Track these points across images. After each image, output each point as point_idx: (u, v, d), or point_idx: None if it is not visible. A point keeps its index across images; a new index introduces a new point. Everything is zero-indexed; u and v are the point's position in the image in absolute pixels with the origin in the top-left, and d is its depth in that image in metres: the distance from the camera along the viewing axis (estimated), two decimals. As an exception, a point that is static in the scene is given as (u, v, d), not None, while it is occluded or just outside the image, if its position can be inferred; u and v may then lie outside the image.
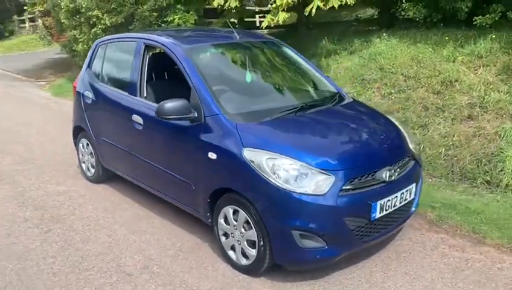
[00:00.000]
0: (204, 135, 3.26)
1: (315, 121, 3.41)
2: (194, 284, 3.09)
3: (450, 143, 4.93)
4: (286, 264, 3.07)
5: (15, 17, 20.32)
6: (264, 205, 2.91)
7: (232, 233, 3.19)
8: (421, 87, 5.74)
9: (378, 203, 2.99)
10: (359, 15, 9.88)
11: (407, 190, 3.22)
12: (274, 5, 6.72)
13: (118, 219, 4.04)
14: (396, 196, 3.12)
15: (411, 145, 3.49)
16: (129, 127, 3.91)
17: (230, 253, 3.25)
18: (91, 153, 4.76)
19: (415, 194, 3.37)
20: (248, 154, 2.98)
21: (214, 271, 3.24)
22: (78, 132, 4.94)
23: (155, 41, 3.93)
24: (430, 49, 6.26)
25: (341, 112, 3.68)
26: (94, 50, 4.75)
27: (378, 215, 3.01)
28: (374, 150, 3.22)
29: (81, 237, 3.76)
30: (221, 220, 3.23)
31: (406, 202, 3.26)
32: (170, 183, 3.67)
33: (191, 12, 8.22)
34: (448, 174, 4.77)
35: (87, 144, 4.79)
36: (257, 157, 2.94)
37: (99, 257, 3.43)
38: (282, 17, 6.68)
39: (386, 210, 3.07)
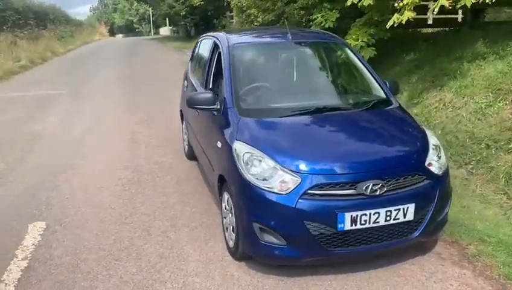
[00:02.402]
0: (220, 125, 3.62)
1: (320, 124, 3.39)
2: (188, 254, 3.50)
3: None
4: (251, 255, 3.22)
5: (228, 13, 23.28)
6: (236, 195, 3.14)
7: (225, 217, 3.50)
8: None
9: (348, 214, 2.86)
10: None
11: (397, 209, 2.95)
12: (401, 3, 6.37)
13: (178, 190, 4.69)
14: (378, 213, 2.92)
15: (438, 165, 3.17)
16: (194, 113, 4.50)
17: (226, 234, 3.55)
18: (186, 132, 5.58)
19: (415, 217, 3.04)
20: (236, 146, 3.23)
21: (210, 247, 3.58)
22: (181, 114, 5.82)
23: (216, 38, 4.40)
24: None
25: (362, 118, 3.53)
26: (196, 45, 5.50)
27: (348, 227, 2.89)
28: (364, 161, 3.04)
29: (142, 199, 4.56)
30: (224, 204, 3.56)
31: (398, 222, 2.99)
32: (206, 163, 4.15)
33: (334, 11, 8.31)
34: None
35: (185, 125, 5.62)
36: (240, 151, 3.17)
37: (142, 215, 4.16)
38: (406, 16, 6.29)
39: (362, 225, 2.91)
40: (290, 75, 4.06)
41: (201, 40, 5.32)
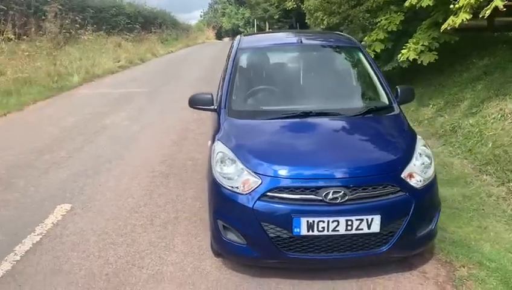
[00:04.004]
0: (213, 125, 3.78)
1: (301, 129, 3.38)
2: (175, 245, 3.70)
3: None
4: (218, 251, 3.31)
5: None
6: (208, 192, 3.28)
7: (210, 213, 3.64)
8: None
9: (304, 220, 2.84)
10: None
11: (359, 219, 2.85)
12: (457, 5, 5.94)
13: (197, 186, 4.90)
14: (338, 221, 2.85)
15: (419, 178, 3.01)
16: None
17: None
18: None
19: (383, 229, 2.89)
20: (215, 145, 3.36)
21: (197, 242, 3.73)
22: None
23: (235, 40, 4.54)
24: None
25: (348, 125, 3.43)
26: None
27: (304, 232, 2.86)
28: (328, 167, 2.97)
29: (162, 191, 4.87)
30: None
31: (362, 233, 2.88)
32: None
33: (399, 13, 7.98)
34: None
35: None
36: (216, 150, 3.30)
37: (154, 206, 4.47)
38: (461, 18, 5.85)
39: (320, 231, 2.86)
40: (293, 79, 4.07)
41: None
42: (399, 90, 3.87)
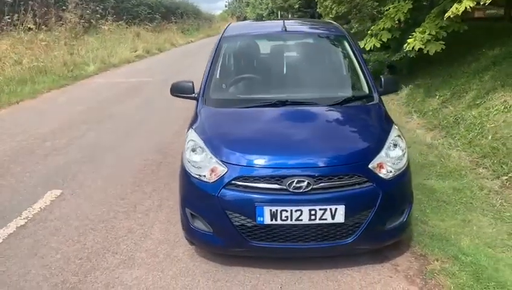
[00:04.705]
0: (193, 112, 3.77)
1: (273, 117, 3.35)
2: (152, 232, 3.73)
3: None
4: (188, 239, 3.32)
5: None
6: (179, 180, 3.28)
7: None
8: None
9: (268, 208, 2.81)
10: None
11: (323, 209, 2.80)
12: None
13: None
14: (301, 210, 2.81)
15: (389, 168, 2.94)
16: None
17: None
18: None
19: (348, 220, 2.84)
20: (188, 133, 3.36)
21: (175, 229, 3.71)
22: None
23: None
24: None
25: (323, 114, 3.38)
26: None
27: (268, 221, 2.83)
28: (293, 157, 2.92)
29: (151, 178, 4.92)
30: None
31: (326, 223, 2.84)
32: None
33: (407, 1, 7.76)
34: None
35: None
36: (188, 138, 3.30)
37: (140, 193, 4.51)
38: (464, 6, 5.65)
39: (283, 220, 2.83)
40: (274, 67, 4.03)
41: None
42: (382, 80, 3.78)
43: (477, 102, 6.17)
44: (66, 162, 5.52)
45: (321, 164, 2.88)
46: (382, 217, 2.93)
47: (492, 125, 5.47)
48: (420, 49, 7.14)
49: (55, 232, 3.78)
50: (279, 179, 2.83)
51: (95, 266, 3.27)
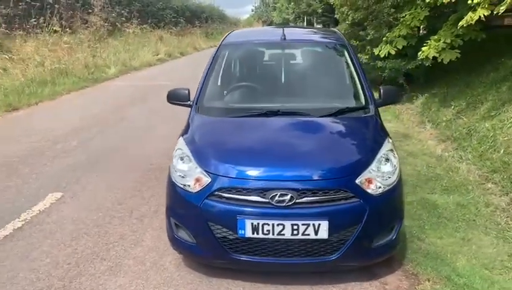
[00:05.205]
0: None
1: (263, 128, 3.30)
2: (143, 239, 3.73)
3: None
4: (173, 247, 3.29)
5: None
6: (166, 189, 3.26)
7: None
8: None
9: (249, 221, 2.76)
10: None
11: (306, 224, 2.73)
12: (475, 0, 5.57)
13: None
14: (283, 225, 2.75)
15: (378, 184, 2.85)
16: None
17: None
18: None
19: (332, 236, 2.76)
20: (178, 142, 3.35)
21: (166, 237, 3.75)
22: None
23: None
24: None
25: (313, 125, 3.31)
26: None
27: (249, 234, 2.78)
28: (277, 169, 2.86)
29: (152, 184, 4.93)
30: None
31: (309, 238, 2.76)
32: None
33: (424, 8, 7.59)
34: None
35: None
36: (177, 146, 3.29)
37: (139, 199, 4.52)
38: (478, 14, 5.48)
39: (265, 234, 2.77)
40: (270, 76, 3.97)
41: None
42: (382, 90, 3.68)
43: (492, 113, 5.96)
44: (72, 164, 5.59)
45: (305, 178, 2.81)
46: (369, 234, 2.84)
47: (505, 138, 5.27)
48: (436, 58, 6.97)
49: (49, 236, 3.81)
50: (262, 191, 2.78)
51: (82, 271, 3.28)
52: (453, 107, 7.09)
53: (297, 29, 4.40)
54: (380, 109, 8.34)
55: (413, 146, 6.12)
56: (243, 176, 2.85)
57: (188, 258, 3.28)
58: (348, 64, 3.89)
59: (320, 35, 4.58)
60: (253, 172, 2.85)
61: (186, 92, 3.84)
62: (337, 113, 3.41)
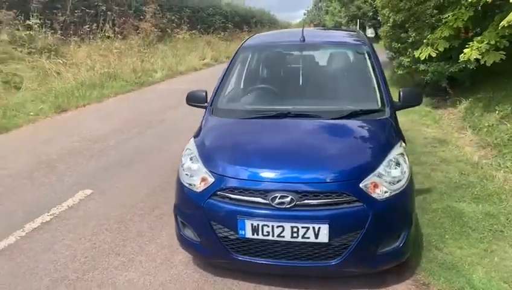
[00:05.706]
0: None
1: (272, 130, 3.28)
2: (158, 237, 3.83)
3: None
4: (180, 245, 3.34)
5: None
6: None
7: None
8: None
9: (249, 222, 2.76)
10: None
11: (305, 227, 2.69)
12: None
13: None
14: (283, 227, 2.73)
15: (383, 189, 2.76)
16: None
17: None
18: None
19: (332, 240, 2.70)
20: (189, 142, 3.42)
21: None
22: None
23: None
24: None
25: (323, 127, 3.25)
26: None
27: (249, 235, 2.78)
28: (279, 171, 2.82)
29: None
30: None
31: (309, 241, 2.72)
32: None
33: (468, 9, 7.25)
34: None
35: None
36: (187, 146, 3.35)
37: (160, 198, 4.64)
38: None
39: (265, 235, 2.76)
40: (286, 79, 3.95)
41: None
42: (401, 93, 3.56)
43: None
44: (106, 163, 5.83)
45: (307, 180, 2.77)
46: (373, 240, 2.75)
47: (548, 145, 4.93)
48: (479, 60, 6.63)
49: (73, 230, 4.00)
50: (263, 192, 2.77)
51: (96, 265, 3.41)
52: (497, 112, 6.71)
53: (317, 30, 4.34)
54: (421, 114, 8.05)
55: (448, 152, 5.85)
56: (244, 176, 2.85)
57: (194, 256, 3.31)
58: (366, 65, 3.79)
59: (340, 36, 4.51)
60: (254, 173, 2.85)
61: (204, 94, 3.90)
62: (349, 116, 3.33)
